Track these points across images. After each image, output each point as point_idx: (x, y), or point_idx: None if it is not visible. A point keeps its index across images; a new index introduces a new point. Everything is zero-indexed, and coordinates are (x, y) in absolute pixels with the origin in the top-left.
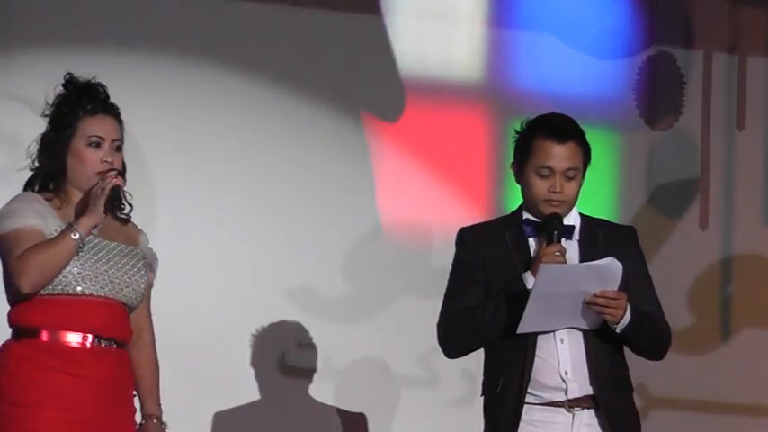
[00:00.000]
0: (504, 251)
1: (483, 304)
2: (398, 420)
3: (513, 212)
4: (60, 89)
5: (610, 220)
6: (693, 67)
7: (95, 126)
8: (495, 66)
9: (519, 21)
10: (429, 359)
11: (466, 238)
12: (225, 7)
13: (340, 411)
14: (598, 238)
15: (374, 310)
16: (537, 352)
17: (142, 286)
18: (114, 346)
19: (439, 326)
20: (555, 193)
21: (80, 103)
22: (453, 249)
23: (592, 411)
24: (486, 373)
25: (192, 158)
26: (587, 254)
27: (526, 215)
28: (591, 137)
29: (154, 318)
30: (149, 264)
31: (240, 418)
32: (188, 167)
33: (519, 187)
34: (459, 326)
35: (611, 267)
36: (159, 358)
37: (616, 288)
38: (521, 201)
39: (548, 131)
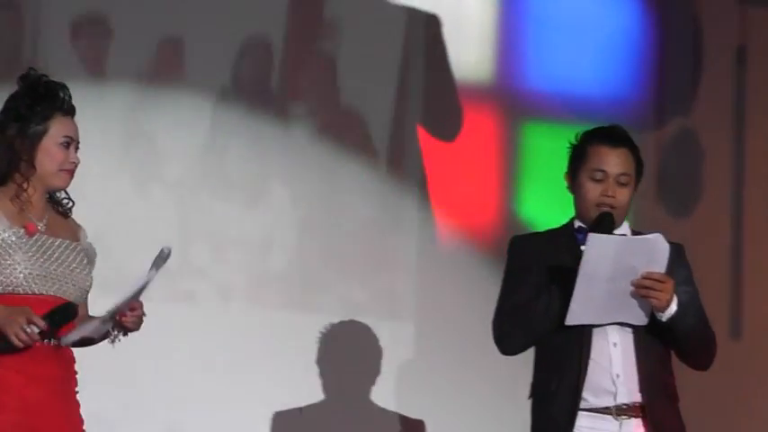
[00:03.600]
0: (556, 256)
1: (536, 297)
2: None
3: (564, 224)
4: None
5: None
6: (702, 66)
7: (67, 127)
8: (505, 66)
9: (528, 21)
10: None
11: (518, 244)
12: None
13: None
14: None
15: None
16: (592, 354)
17: (87, 283)
18: (60, 343)
19: (494, 323)
20: (608, 197)
21: (53, 101)
22: (464, 250)
23: (639, 420)
24: (537, 374)
25: (212, 163)
26: None
27: (578, 224)
28: None
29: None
30: (91, 259)
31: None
32: (208, 176)
33: (532, 189)
34: (513, 320)
35: (658, 243)
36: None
37: (663, 268)
38: (531, 201)
39: (602, 137)
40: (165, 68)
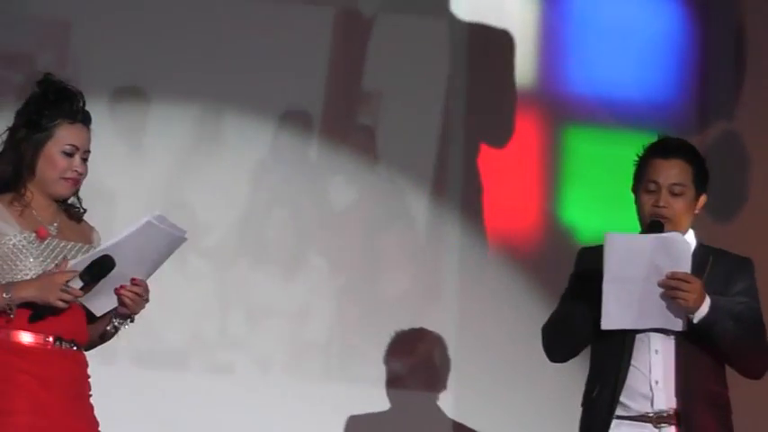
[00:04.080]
0: None
1: (576, 305)
2: None
3: None
4: (35, 87)
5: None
6: (746, 68)
7: (73, 135)
8: (547, 70)
9: (570, 24)
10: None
11: (581, 256)
12: None
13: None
14: (708, 262)
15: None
16: (632, 361)
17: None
18: (74, 348)
19: (542, 331)
20: (659, 207)
21: (61, 107)
22: (508, 255)
23: (681, 428)
24: (586, 384)
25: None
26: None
27: None
28: (643, 141)
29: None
30: None
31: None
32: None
33: (571, 193)
34: (555, 329)
35: (676, 240)
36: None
37: (688, 268)
38: (574, 205)
39: (654, 149)
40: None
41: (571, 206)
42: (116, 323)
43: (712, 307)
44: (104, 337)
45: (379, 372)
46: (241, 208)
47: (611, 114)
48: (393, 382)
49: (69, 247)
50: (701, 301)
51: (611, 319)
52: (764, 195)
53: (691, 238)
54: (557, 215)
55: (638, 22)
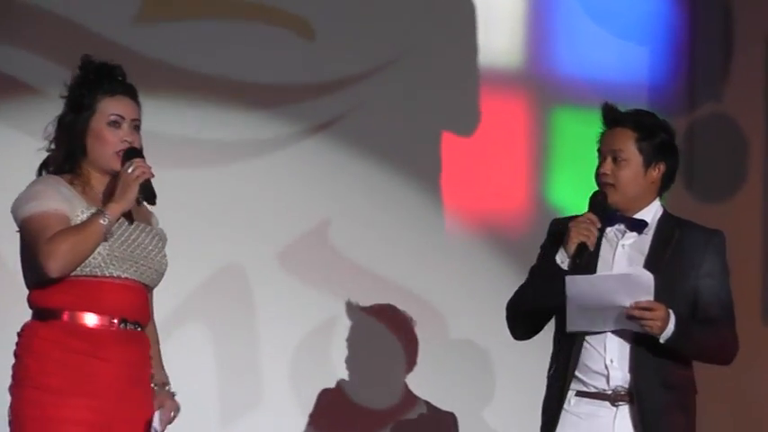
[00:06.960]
0: None
1: (530, 284)
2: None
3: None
4: (77, 71)
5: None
6: (733, 50)
7: (115, 106)
8: (535, 52)
9: (558, 6)
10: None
11: (551, 227)
12: None
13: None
14: (673, 236)
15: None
16: (587, 338)
17: (164, 267)
18: (139, 329)
19: (506, 307)
20: (600, 174)
21: (99, 83)
22: (496, 236)
23: (634, 406)
24: (550, 360)
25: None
26: (657, 250)
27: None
28: None
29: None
30: (164, 244)
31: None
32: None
33: (559, 174)
34: (511, 306)
35: (640, 277)
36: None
37: (650, 298)
38: (562, 187)
39: (602, 119)
40: None
41: (559, 187)
42: None
43: (677, 326)
44: None
45: (361, 354)
46: None
47: (599, 95)
48: (371, 364)
49: (134, 227)
50: (667, 323)
51: (576, 325)
52: (752, 175)
53: (654, 209)
54: (545, 197)
55: (626, 3)
